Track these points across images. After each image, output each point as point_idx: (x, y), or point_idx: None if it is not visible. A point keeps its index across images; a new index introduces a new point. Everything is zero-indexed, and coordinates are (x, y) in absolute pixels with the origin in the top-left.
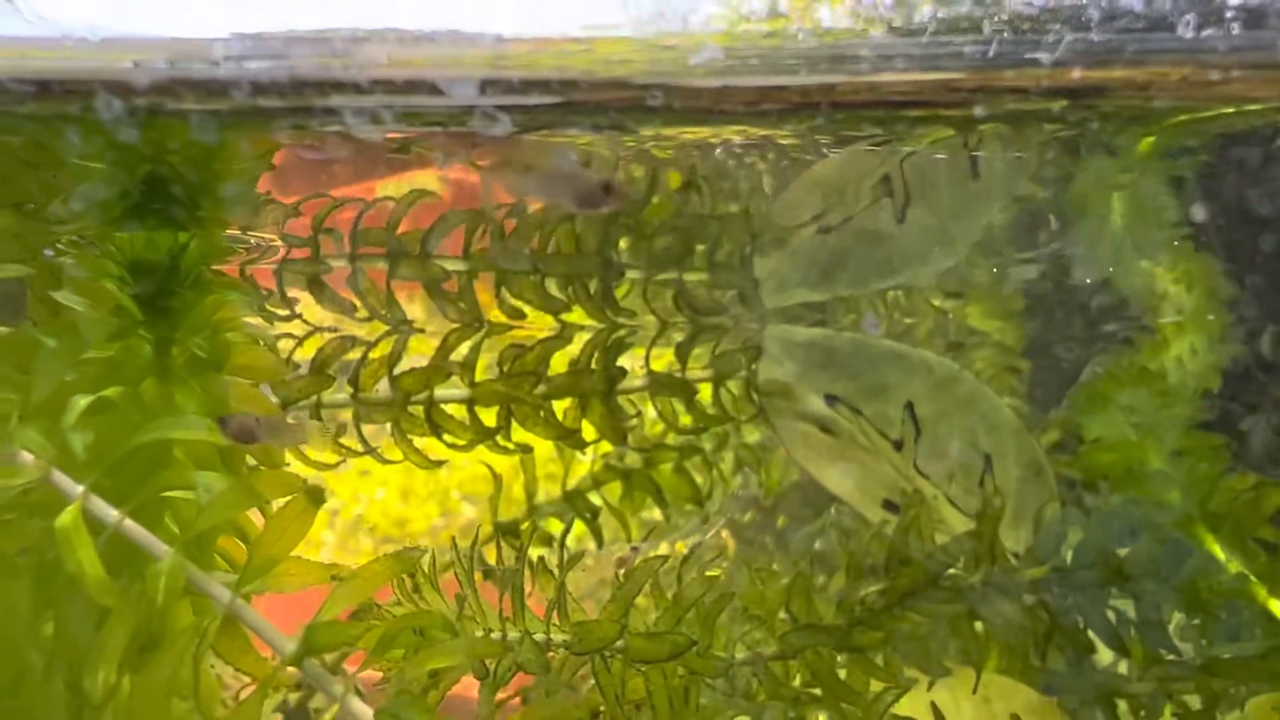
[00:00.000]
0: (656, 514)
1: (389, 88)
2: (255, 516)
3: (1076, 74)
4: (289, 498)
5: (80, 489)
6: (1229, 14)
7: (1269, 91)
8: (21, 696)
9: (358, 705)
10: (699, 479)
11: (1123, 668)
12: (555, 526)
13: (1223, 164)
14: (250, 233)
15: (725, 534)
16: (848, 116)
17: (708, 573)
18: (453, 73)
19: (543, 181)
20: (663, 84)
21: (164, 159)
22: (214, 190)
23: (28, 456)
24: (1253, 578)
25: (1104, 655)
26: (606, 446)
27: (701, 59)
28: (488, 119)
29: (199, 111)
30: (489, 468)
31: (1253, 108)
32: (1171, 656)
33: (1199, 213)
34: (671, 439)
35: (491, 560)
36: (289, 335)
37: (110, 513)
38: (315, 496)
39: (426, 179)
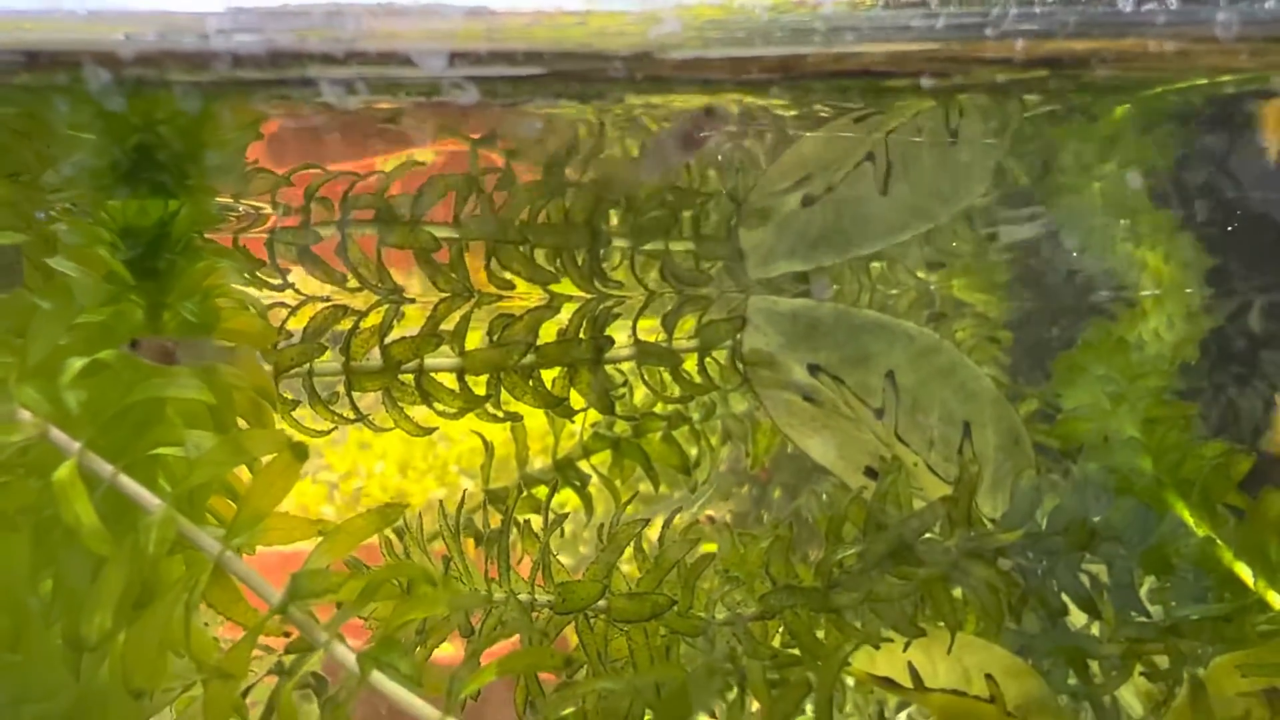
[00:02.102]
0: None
1: (363, 60)
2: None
3: (1019, 45)
4: (275, 454)
5: (77, 445)
6: None
7: (1207, 63)
8: (21, 651)
9: (342, 650)
10: (688, 448)
11: (1095, 630)
12: (545, 494)
13: (1200, 139)
14: (241, 201)
15: (724, 506)
16: (820, 86)
17: (705, 545)
18: (424, 45)
19: (653, 153)
20: (625, 56)
21: (153, 129)
22: (202, 159)
23: (26, 414)
24: (1220, 542)
25: (1077, 617)
26: (596, 415)
27: (661, 31)
28: (456, 89)
29: (185, 83)
30: (480, 436)
31: (1223, 79)
32: (1141, 619)
33: (1176, 188)
34: (660, 408)
35: (482, 527)
36: (281, 304)
37: (105, 468)
38: (299, 452)
39: (424, 157)
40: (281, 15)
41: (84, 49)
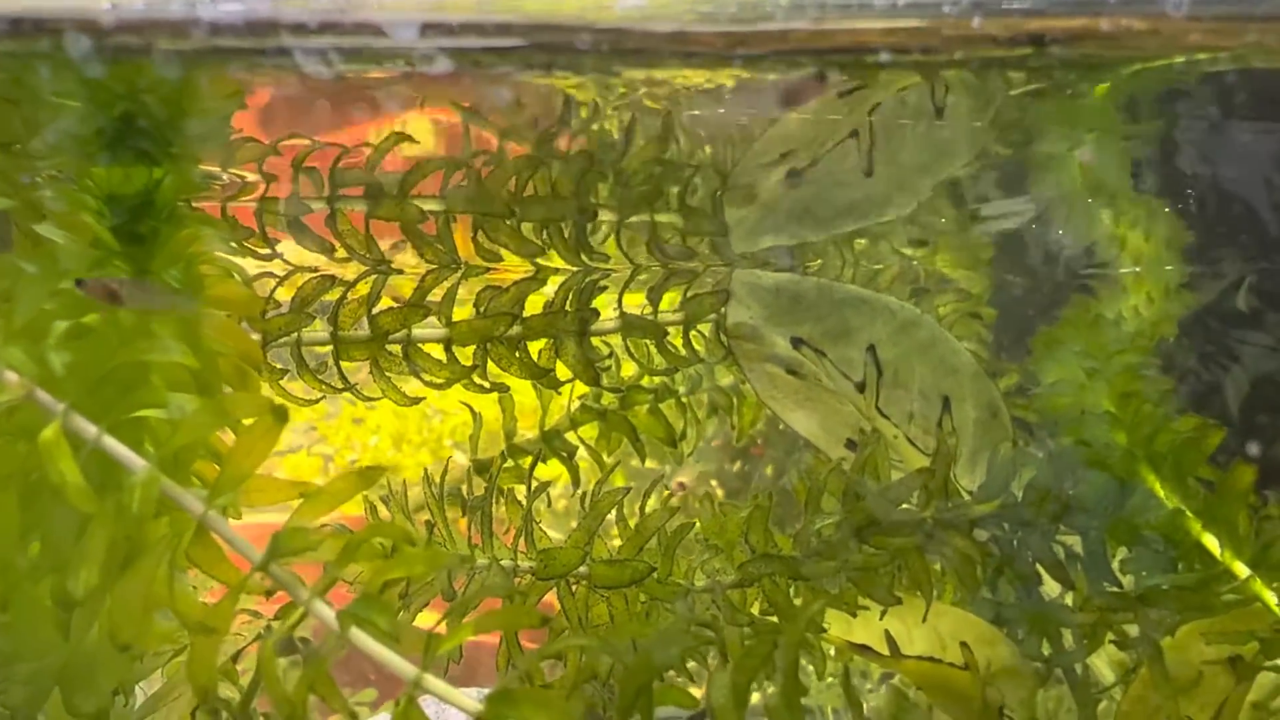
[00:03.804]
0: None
1: (339, 30)
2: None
3: (975, 22)
4: (257, 418)
5: (62, 406)
6: None
7: (1159, 42)
8: (11, 611)
9: (322, 608)
10: (675, 420)
11: (1068, 599)
12: (530, 463)
13: (1180, 117)
14: (228, 170)
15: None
16: (806, 61)
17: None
18: (401, 17)
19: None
20: (591, 27)
21: (138, 97)
22: (186, 127)
23: (12, 376)
24: (1189, 514)
25: (1051, 587)
26: (584, 388)
27: (627, 5)
28: (427, 59)
29: (167, 51)
30: (468, 406)
31: (1201, 57)
32: (1112, 588)
33: (1157, 167)
34: (646, 381)
35: (467, 496)
36: (270, 274)
37: (90, 429)
38: (280, 415)
39: (419, 124)
40: None
41: (68, 16)
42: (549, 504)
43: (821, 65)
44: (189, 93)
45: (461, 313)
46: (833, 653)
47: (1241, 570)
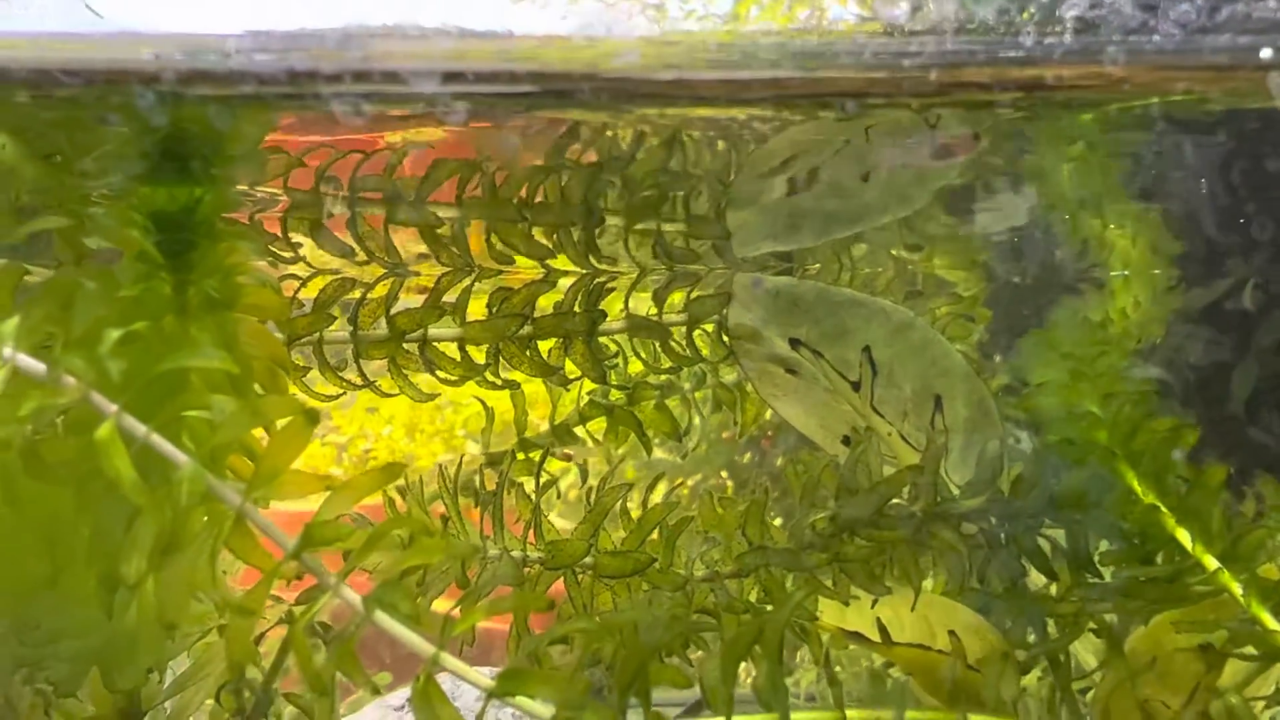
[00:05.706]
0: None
1: (365, 79)
2: None
3: (933, 76)
4: (289, 418)
5: (114, 407)
6: (1067, 24)
7: (1098, 84)
8: (59, 592)
9: (348, 592)
10: (680, 416)
11: (1053, 590)
12: (540, 457)
13: (1163, 138)
14: (258, 188)
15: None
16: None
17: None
18: (426, 66)
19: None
20: (595, 76)
21: (181, 127)
22: (224, 153)
23: (70, 379)
24: (1164, 509)
25: (1036, 578)
26: (592, 385)
27: (622, 61)
28: (446, 107)
29: (214, 98)
30: (481, 401)
31: (1176, 98)
32: (1093, 580)
33: (1144, 178)
34: (652, 379)
35: (480, 489)
36: (294, 276)
37: (140, 428)
38: (311, 417)
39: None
40: (297, 37)
41: (118, 67)
42: (559, 495)
43: (815, 108)
44: (228, 127)
45: (476, 308)
46: (827, 639)
47: (1211, 563)
